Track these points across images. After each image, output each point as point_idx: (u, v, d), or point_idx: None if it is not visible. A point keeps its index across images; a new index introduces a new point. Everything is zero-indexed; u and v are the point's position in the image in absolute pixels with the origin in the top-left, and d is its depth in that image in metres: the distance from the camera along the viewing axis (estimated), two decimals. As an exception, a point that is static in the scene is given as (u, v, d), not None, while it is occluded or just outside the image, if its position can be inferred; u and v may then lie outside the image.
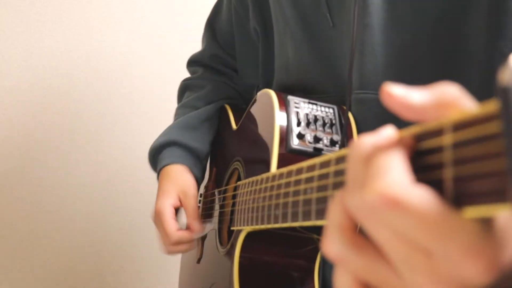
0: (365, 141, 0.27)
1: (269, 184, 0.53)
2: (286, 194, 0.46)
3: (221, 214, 0.83)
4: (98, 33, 1.49)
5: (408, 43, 0.63)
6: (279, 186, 0.49)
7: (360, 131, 0.64)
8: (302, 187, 0.42)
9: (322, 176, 0.37)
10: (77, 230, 1.46)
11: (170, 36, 1.54)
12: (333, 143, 0.61)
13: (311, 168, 0.40)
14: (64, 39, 1.45)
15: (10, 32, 1.40)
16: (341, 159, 0.34)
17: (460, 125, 0.23)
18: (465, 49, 0.60)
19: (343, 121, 0.65)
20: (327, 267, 0.66)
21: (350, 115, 0.66)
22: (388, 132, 0.27)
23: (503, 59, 0.57)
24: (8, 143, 1.40)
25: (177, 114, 0.96)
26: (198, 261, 0.89)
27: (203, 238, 0.89)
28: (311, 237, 0.62)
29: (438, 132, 0.24)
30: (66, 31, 1.45)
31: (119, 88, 1.51)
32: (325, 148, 0.60)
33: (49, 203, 1.43)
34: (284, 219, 0.46)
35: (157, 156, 0.89)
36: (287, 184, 0.46)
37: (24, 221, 1.40)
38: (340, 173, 0.34)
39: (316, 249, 0.65)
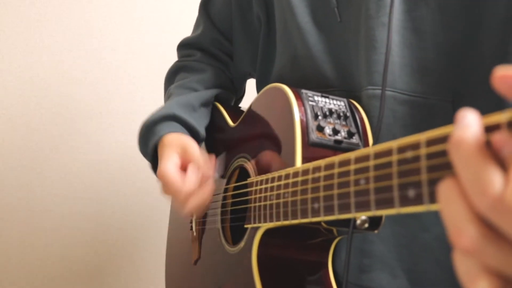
0: (470, 137, 0.28)
1: (299, 179, 0.52)
2: (329, 187, 0.45)
3: (222, 213, 0.80)
4: (98, 33, 1.49)
5: (424, 46, 0.64)
6: (316, 179, 0.48)
7: (371, 125, 0.65)
8: (351, 178, 0.42)
9: (381, 166, 0.37)
10: (77, 230, 1.46)
11: (170, 36, 1.54)
12: (350, 135, 0.61)
13: (362, 158, 0.40)
14: (64, 39, 1.45)
15: (10, 32, 1.39)
16: (403, 149, 0.35)
17: None
18: (479, 54, 0.61)
19: (355, 114, 0.65)
20: (336, 258, 0.67)
21: (361, 109, 0.66)
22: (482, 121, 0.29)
23: None
24: (8, 143, 1.39)
25: (173, 94, 0.89)
26: (195, 262, 0.86)
27: (200, 239, 0.86)
28: (327, 228, 0.62)
29: None
30: (66, 31, 1.45)
31: (119, 88, 1.51)
32: (344, 140, 0.60)
33: (49, 202, 1.43)
34: (328, 212, 0.45)
35: (152, 129, 0.82)
36: (329, 177, 0.46)
37: (24, 221, 1.40)
38: (404, 161, 0.35)
39: (330, 240, 0.66)
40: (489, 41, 0.61)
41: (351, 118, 0.64)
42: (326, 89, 0.72)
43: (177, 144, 0.76)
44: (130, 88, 1.52)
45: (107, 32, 1.50)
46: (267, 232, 0.63)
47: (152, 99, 1.52)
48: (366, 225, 0.53)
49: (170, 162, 0.73)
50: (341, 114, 0.63)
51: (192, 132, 0.83)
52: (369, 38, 0.66)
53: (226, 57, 0.99)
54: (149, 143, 0.81)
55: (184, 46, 1.03)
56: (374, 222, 0.54)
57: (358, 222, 0.53)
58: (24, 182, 1.41)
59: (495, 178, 0.27)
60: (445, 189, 0.30)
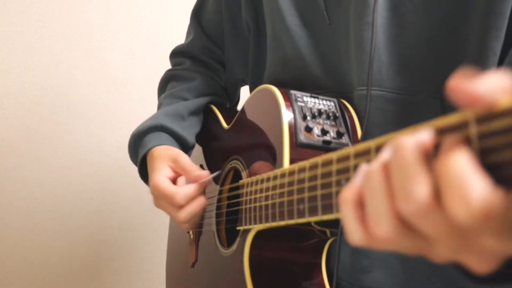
0: (410, 144, 0.29)
1: (286, 180, 0.52)
2: (313, 188, 0.45)
3: (217, 216, 0.80)
4: (98, 33, 1.49)
5: (410, 42, 0.64)
6: (301, 180, 0.48)
7: (361, 125, 0.65)
8: (333, 179, 0.41)
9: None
10: (77, 230, 1.46)
11: (170, 36, 1.54)
12: (339, 135, 0.61)
13: (343, 158, 0.40)
14: (64, 39, 1.45)
15: (10, 32, 1.39)
16: (380, 147, 0.35)
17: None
18: (464, 49, 0.61)
19: (345, 114, 0.64)
20: (331, 259, 0.67)
21: (351, 109, 0.66)
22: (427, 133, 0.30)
23: (496, 58, 0.58)
24: (8, 143, 1.39)
25: (163, 104, 0.90)
26: (193, 265, 0.86)
27: (197, 242, 0.86)
28: (320, 230, 0.62)
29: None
30: (66, 31, 1.45)
31: (119, 88, 1.51)
32: (333, 140, 0.60)
33: (48, 202, 1.43)
34: (312, 213, 0.45)
35: (141, 140, 0.83)
36: (313, 178, 0.45)
37: (24, 221, 1.40)
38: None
39: (323, 241, 0.65)
40: (471, 37, 0.60)
41: (340, 118, 0.64)
42: (318, 91, 0.71)
43: (167, 156, 0.78)
44: (130, 88, 1.52)
45: (107, 32, 1.50)
46: (259, 234, 0.63)
47: (152, 99, 1.51)
48: None
49: (161, 174, 0.75)
50: (331, 114, 0.63)
51: (180, 141, 0.84)
52: (357, 38, 0.66)
53: (217, 64, 1.00)
54: (139, 154, 0.83)
55: (175, 54, 1.04)
56: None
57: None
58: (24, 182, 1.41)
59: (422, 187, 0.28)
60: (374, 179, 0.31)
